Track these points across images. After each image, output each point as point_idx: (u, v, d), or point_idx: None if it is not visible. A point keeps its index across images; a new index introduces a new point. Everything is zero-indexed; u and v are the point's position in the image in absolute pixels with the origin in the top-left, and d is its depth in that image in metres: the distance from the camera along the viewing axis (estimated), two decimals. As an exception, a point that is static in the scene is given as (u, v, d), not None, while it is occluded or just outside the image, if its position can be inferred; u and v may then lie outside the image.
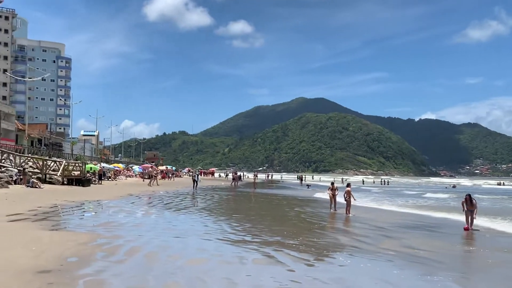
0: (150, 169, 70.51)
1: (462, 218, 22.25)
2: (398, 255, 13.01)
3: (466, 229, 19.63)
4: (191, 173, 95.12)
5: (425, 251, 13.79)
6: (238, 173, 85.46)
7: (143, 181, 61.84)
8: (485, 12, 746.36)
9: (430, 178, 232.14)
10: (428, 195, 54.17)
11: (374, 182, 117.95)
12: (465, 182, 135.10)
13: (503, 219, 24.79)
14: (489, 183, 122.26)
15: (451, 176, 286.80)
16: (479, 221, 21.28)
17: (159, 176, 74.74)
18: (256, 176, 76.98)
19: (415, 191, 65.17)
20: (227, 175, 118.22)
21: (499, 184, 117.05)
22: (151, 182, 52.85)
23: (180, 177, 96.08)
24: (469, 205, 20.31)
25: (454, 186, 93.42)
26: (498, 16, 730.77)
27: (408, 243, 15.32)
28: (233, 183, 64.18)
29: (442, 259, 12.59)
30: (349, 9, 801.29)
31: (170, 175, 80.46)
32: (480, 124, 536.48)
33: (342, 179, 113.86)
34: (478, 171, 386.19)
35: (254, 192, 49.35)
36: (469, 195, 20.81)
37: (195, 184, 49.99)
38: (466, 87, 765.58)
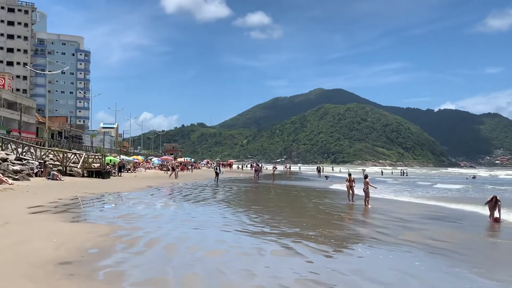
0: (173, 161, 70.69)
1: (481, 210, 22.10)
2: (418, 246, 12.89)
3: (496, 220, 19.22)
4: (212, 165, 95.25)
5: (446, 242, 13.66)
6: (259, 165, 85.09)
7: (166, 172, 62.18)
8: (506, 1, 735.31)
9: (449, 169, 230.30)
10: (448, 185, 53.78)
11: (392, 173, 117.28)
12: (484, 173, 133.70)
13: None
14: (509, 174, 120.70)
15: (471, 167, 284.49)
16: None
17: (179, 168, 75.24)
18: (275, 168, 76.97)
19: (431, 182, 64.75)
20: (242, 167, 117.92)
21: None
22: (173, 174, 53.09)
23: (199, 168, 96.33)
24: (493, 207, 19.82)
25: (474, 177, 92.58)
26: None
27: (428, 234, 15.18)
28: (255, 175, 63.92)
29: (464, 251, 12.48)
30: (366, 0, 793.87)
31: (189, 167, 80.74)
32: (500, 114, 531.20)
33: (363, 170, 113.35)
34: (498, 162, 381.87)
35: (273, 184, 49.35)
36: (495, 197, 20.21)
37: (217, 176, 50.12)
38: (487, 76, 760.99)
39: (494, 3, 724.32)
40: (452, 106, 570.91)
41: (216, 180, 48.55)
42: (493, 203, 19.79)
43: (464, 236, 15.35)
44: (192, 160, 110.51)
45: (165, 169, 73.26)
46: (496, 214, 19.43)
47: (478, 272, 9.89)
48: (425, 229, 16.57)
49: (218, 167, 57.46)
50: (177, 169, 57.34)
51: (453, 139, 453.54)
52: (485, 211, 20.33)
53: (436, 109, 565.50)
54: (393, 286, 8.57)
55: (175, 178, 50.87)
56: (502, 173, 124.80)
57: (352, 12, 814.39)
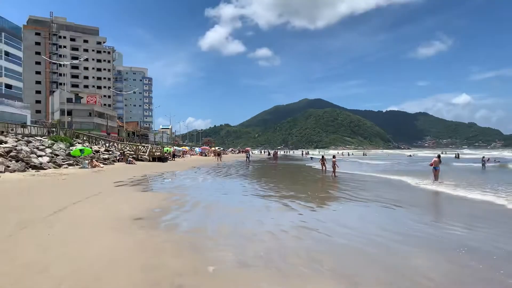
0: (217, 150, 70.33)
1: (411, 179, 22.00)
2: (372, 202, 12.85)
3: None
4: (234, 152, 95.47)
5: (389, 198, 13.58)
6: (271, 151, 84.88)
7: (213, 156, 61.88)
8: (430, 35, 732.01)
9: (394, 150, 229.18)
10: (386, 162, 53.44)
11: (353, 154, 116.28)
12: (419, 152, 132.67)
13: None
14: (434, 153, 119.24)
15: (408, 149, 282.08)
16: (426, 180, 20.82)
17: (212, 154, 75.24)
18: (277, 152, 76.96)
19: (380, 161, 64.40)
20: (263, 152, 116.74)
21: (442, 153, 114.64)
22: (218, 159, 53.10)
23: (226, 154, 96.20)
24: (440, 162, 20.23)
25: (410, 156, 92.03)
26: (440, 37, 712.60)
27: (379, 193, 15.11)
28: (274, 162, 63.30)
29: (401, 204, 12.41)
30: (337, 38, 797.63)
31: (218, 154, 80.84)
32: (428, 113, 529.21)
33: (337, 153, 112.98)
34: (427, 145, 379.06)
35: (276, 164, 49.27)
36: (439, 155, 20.96)
37: (248, 159, 51.34)
38: (418, 87, 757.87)
39: (422, 37, 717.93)
40: (395, 108, 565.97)
41: (247, 162, 49.08)
42: (438, 161, 20.23)
43: (400, 194, 15.26)
44: (222, 148, 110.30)
45: (205, 155, 73.30)
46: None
47: (412, 218, 9.85)
48: (376, 190, 16.52)
49: (248, 153, 58.23)
50: (220, 155, 57.21)
51: (396, 130, 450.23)
52: (408, 179, 20.20)
53: (384, 110, 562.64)
54: (358, 229, 8.54)
55: (220, 161, 50.77)
56: (430, 152, 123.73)
57: (328, 47, 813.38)
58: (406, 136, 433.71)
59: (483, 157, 40.60)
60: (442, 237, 7.84)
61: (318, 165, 41.91)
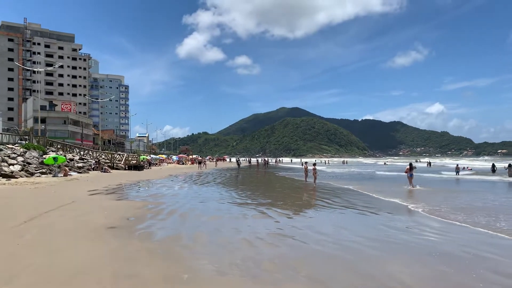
0: (199, 158, 69.77)
1: (380, 186, 22.39)
2: (347, 209, 12.99)
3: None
4: (213, 160, 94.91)
5: (361, 205, 13.79)
6: (257, 160, 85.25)
7: (190, 164, 61.50)
8: (407, 45, 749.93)
9: (370, 158, 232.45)
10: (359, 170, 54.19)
11: (327, 162, 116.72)
12: (393, 160, 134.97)
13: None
14: (406, 160, 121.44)
15: (384, 157, 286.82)
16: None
17: (190, 162, 74.65)
18: (258, 160, 77.41)
19: (358, 169, 65.16)
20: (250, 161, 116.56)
21: (416, 161, 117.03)
22: (200, 167, 52.64)
23: (205, 163, 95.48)
24: (410, 170, 22.04)
25: (385, 163, 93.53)
26: (416, 48, 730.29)
27: (353, 201, 15.32)
28: (264, 166, 63.80)
29: (372, 210, 12.59)
30: (314, 48, 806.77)
31: (198, 162, 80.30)
32: (402, 122, 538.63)
33: (320, 161, 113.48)
34: (401, 153, 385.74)
35: (258, 171, 49.23)
36: (411, 163, 23.05)
37: (239, 166, 51.99)
38: (393, 97, 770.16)
39: (399, 48, 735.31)
40: (371, 117, 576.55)
41: (238, 168, 49.71)
42: (409, 169, 22.10)
43: (371, 199, 15.48)
44: (199, 156, 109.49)
45: (181, 163, 72.65)
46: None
47: (386, 224, 9.99)
48: (351, 199, 16.69)
49: (239, 161, 58.79)
50: (203, 163, 56.81)
51: (371, 139, 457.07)
52: (377, 189, 20.52)
53: (360, 119, 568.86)
54: (332, 235, 8.59)
55: (205, 169, 50.36)
56: (402, 161, 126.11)
57: (304, 57, 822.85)
58: (382, 144, 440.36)
59: (457, 165, 43.48)
60: (416, 243, 7.97)
61: (293, 173, 42.29)
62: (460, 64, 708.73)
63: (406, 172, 22.39)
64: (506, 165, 35.90)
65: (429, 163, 75.61)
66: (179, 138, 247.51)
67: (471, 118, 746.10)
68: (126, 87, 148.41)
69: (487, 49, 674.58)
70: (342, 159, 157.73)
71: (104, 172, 34.07)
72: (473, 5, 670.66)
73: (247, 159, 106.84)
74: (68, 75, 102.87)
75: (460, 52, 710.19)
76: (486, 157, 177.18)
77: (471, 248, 7.54)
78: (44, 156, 31.88)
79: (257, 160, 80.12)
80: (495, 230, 9.35)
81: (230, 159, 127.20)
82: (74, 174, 28.64)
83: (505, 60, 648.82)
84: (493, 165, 40.41)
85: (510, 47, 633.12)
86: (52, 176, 25.86)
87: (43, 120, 64.20)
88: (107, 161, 39.85)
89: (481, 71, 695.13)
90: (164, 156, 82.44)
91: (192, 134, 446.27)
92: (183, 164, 72.31)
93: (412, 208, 13.33)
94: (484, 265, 6.38)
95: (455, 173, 38.08)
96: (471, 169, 49.13)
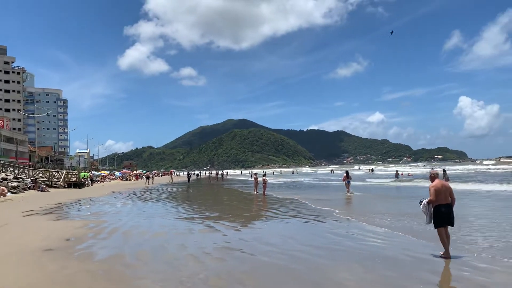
0: (149, 173, 67.30)
1: (323, 196, 22.98)
2: (294, 219, 13.15)
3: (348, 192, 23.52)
4: (158, 175, 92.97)
5: (308, 214, 14.04)
6: (216, 172, 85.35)
7: (134, 180, 59.63)
8: (348, 57, 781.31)
9: (316, 167, 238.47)
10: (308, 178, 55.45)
11: (281, 172, 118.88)
12: (338, 170, 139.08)
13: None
14: (353, 168, 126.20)
15: (328, 165, 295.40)
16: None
17: (134, 178, 72.43)
18: (211, 173, 77.15)
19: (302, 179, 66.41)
20: (178, 174, 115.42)
21: (358, 168, 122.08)
22: (148, 182, 50.96)
23: (153, 178, 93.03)
24: (347, 177, 24.57)
25: (332, 171, 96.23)
26: (357, 59, 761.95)
27: (300, 210, 15.56)
28: (221, 178, 64.81)
29: (319, 219, 12.85)
30: (259, 61, 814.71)
31: (144, 177, 77.92)
32: (345, 131, 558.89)
33: (272, 171, 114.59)
34: (345, 161, 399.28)
35: (209, 182, 48.61)
36: (347, 171, 25.65)
37: (189, 180, 52.10)
38: (335, 108, 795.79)
39: (341, 59, 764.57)
40: (315, 127, 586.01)
41: (188, 182, 49.66)
42: (346, 176, 24.71)
43: (318, 208, 15.82)
44: (144, 171, 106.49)
45: (125, 179, 70.22)
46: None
47: (332, 231, 10.20)
48: (298, 209, 16.94)
49: (189, 175, 58.40)
50: (152, 178, 55.18)
51: (317, 148, 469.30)
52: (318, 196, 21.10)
53: (305, 129, 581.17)
54: (279, 246, 8.63)
55: (152, 184, 48.88)
56: (347, 168, 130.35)
57: (250, 69, 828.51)
58: (326, 153, 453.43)
59: (397, 171, 52.87)
60: (360, 249, 8.20)
61: (241, 185, 42.33)
62: (397, 75, 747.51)
63: (343, 180, 24.86)
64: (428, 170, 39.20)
65: (372, 170, 78.96)
66: (122, 153, 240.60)
67: (409, 126, 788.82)
68: (65, 101, 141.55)
69: (422, 61, 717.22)
70: (290, 169, 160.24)
71: (42, 191, 32.16)
72: (408, 19, 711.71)
73: (195, 172, 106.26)
74: (0, 89, 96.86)
75: (397, 64, 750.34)
76: (423, 163, 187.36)
77: (412, 251, 7.88)
78: (-28, 176, 29.52)
79: (217, 172, 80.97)
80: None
81: (177, 173, 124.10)
82: (8, 194, 26.74)
83: (438, 71, 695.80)
84: (397, 172, 50.99)
85: (442, 59, 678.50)
86: (-18, 198, 23.97)
87: (-28, 138, 59.70)
88: (44, 179, 37.62)
89: (417, 81, 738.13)
90: (106, 172, 79.21)
91: (136, 148, 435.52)
92: (127, 180, 69.86)
93: (350, 217, 13.74)
94: (424, 267, 6.69)
95: (395, 178, 41.26)
96: (410, 175, 52.97)
